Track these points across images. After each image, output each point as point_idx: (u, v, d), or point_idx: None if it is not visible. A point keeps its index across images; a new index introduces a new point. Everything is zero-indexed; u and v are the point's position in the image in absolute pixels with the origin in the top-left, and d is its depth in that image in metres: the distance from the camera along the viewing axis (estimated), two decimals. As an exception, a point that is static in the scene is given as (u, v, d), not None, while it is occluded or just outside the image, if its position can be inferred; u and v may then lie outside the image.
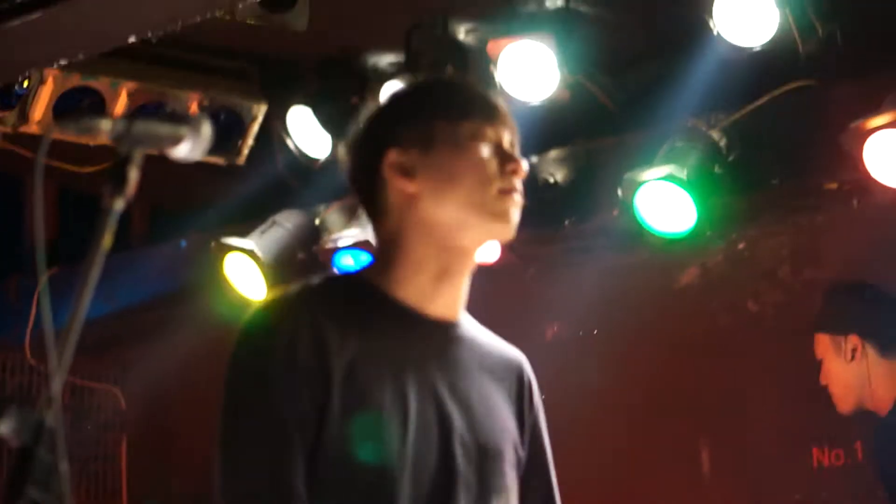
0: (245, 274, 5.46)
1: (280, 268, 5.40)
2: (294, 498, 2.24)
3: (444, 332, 2.43)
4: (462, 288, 2.44)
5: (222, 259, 5.54)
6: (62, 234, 6.69)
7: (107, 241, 1.86)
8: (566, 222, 5.46)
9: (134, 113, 5.18)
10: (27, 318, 7.37)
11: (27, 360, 7.28)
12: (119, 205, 1.88)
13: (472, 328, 2.50)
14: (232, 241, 5.48)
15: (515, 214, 2.41)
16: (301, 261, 5.57)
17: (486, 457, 2.37)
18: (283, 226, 5.49)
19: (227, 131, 5.46)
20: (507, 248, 5.27)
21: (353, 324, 2.35)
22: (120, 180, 1.89)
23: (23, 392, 7.14)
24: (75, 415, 6.80)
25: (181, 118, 2.03)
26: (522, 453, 2.46)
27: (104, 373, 6.91)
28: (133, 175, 1.90)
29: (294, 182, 5.92)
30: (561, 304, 5.51)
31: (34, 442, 1.70)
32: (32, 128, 5.24)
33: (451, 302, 2.44)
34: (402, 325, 2.39)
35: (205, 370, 6.90)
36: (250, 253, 5.36)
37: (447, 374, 2.38)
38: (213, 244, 5.61)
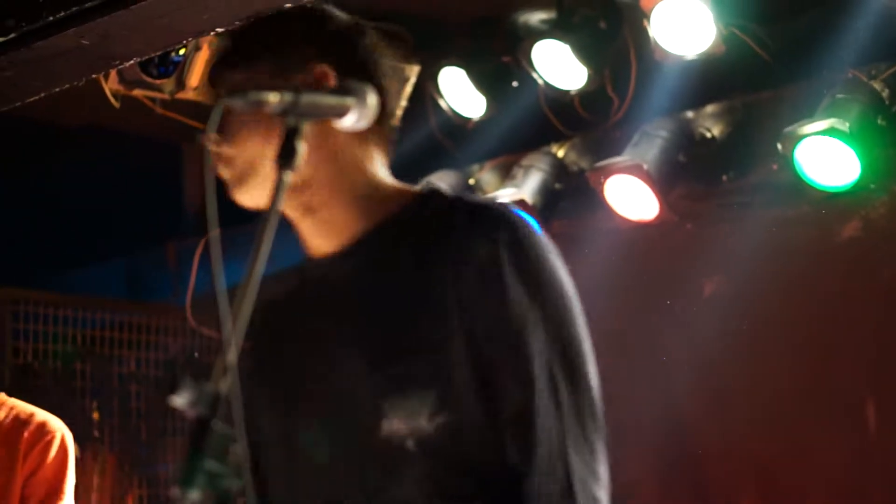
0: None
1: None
2: None
3: None
4: None
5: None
6: (218, 198, 6.77)
7: (277, 209, 1.88)
8: (724, 177, 5.40)
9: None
10: (187, 282, 7.49)
11: (189, 323, 7.41)
12: (288, 175, 1.90)
13: None
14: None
15: None
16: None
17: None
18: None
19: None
20: (665, 204, 5.22)
21: None
22: (289, 151, 1.91)
23: (186, 355, 7.26)
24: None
25: (347, 89, 2.04)
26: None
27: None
28: (301, 147, 1.92)
29: (448, 143, 5.92)
30: (719, 260, 5.45)
31: (210, 414, 1.72)
32: (189, 94, 5.30)
33: None
34: None
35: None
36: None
37: None
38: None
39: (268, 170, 2.27)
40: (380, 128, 2.38)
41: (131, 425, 7.47)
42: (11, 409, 3.87)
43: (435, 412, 2.19)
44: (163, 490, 7.65)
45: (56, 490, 3.79)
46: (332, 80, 2.33)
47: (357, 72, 2.34)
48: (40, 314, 6.96)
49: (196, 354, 6.99)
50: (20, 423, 3.83)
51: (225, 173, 2.34)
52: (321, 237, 2.37)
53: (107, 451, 6.95)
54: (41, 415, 3.87)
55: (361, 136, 2.36)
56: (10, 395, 3.92)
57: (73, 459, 3.86)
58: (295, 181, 2.26)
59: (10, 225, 6.89)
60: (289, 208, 2.35)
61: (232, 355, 1.77)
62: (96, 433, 6.88)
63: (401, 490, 2.22)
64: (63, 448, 3.82)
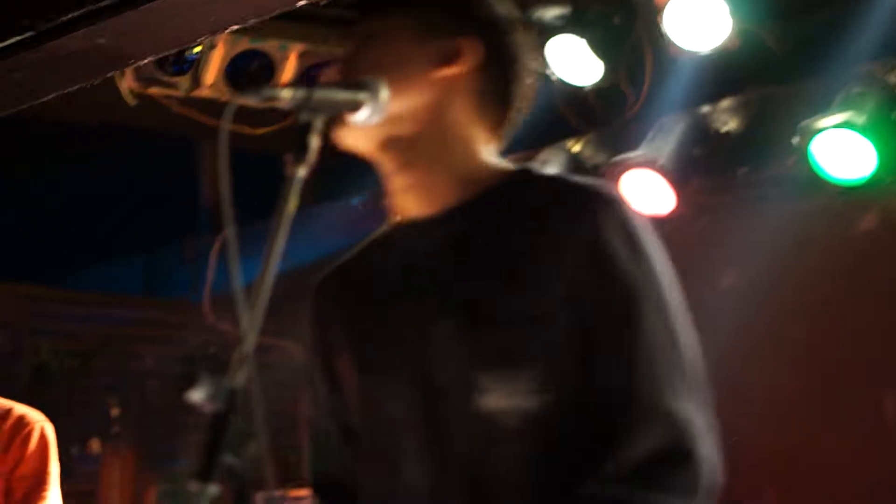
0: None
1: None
2: None
3: None
4: None
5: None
6: (234, 195, 6.79)
7: (291, 206, 1.89)
8: (740, 171, 5.40)
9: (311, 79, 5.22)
10: (204, 279, 7.51)
11: (206, 319, 7.44)
12: (302, 171, 1.92)
13: None
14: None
15: None
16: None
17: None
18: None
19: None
20: (681, 198, 5.23)
21: None
22: (302, 147, 1.92)
23: (204, 351, 7.29)
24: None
25: (360, 84, 2.06)
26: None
27: (279, 330, 7.03)
28: (315, 142, 1.93)
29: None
30: (735, 254, 5.46)
31: (228, 408, 1.73)
32: (205, 92, 5.32)
33: None
34: None
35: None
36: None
37: None
38: (385, 200, 5.62)
39: (389, 115, 2.23)
40: (500, 113, 2.39)
41: (150, 421, 7.50)
42: None
43: (538, 389, 2.18)
44: (182, 485, 7.67)
45: (40, 482, 3.79)
46: (478, 58, 2.34)
47: (502, 57, 2.37)
48: (58, 312, 6.99)
49: (214, 350, 7.01)
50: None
51: None
52: (414, 200, 2.35)
53: (126, 447, 6.98)
54: (19, 408, 3.87)
55: (478, 117, 2.37)
56: (29, 392, 3.94)
57: (54, 449, 3.85)
58: (402, 137, 2.30)
59: (28, 223, 6.93)
60: (388, 163, 2.35)
61: (248, 349, 1.78)
62: (116, 429, 6.91)
63: (496, 467, 2.20)
64: (43, 438, 3.82)
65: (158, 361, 7.67)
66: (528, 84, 2.41)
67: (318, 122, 1.95)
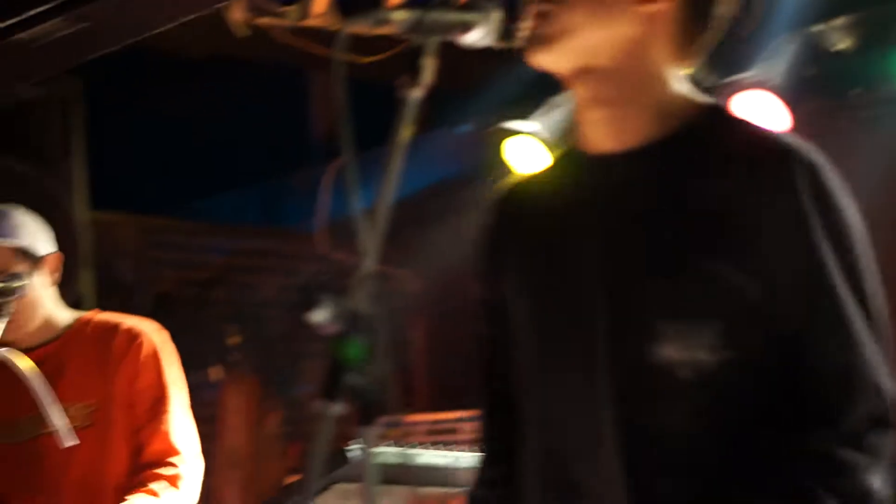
0: (528, 157, 5.49)
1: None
2: None
3: None
4: None
5: (502, 143, 5.57)
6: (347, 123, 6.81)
7: (406, 130, 1.91)
8: (852, 92, 5.33)
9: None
10: (316, 209, 7.58)
11: (318, 249, 7.51)
12: (416, 93, 1.93)
13: None
14: (512, 124, 5.51)
15: None
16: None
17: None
18: (565, 107, 5.48)
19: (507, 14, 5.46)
20: (793, 118, 5.18)
21: None
22: (415, 69, 1.93)
23: (320, 279, 7.36)
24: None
25: (472, 6, 2.06)
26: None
27: (393, 257, 7.08)
28: (428, 64, 1.94)
29: None
30: (847, 175, 5.38)
31: (350, 329, 1.76)
32: (314, 20, 5.34)
33: None
34: None
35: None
36: (533, 135, 5.38)
37: None
38: (493, 129, 5.64)
39: (584, 40, 2.23)
40: (698, 44, 2.34)
41: (269, 349, 7.61)
42: (99, 323, 3.86)
43: (718, 345, 2.15)
44: (302, 411, 7.79)
45: (160, 392, 3.76)
46: None
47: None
48: (179, 242, 7.09)
49: (329, 279, 7.09)
50: (107, 333, 3.81)
51: (535, 28, 2.27)
52: (604, 133, 2.30)
53: (246, 375, 7.09)
54: (128, 321, 3.84)
55: (676, 50, 2.32)
56: (152, 322, 3.92)
57: (169, 356, 3.81)
58: (597, 68, 2.26)
59: (147, 155, 7.03)
60: (581, 93, 2.31)
61: (369, 271, 1.81)
62: (235, 357, 7.02)
63: (665, 420, 2.18)
64: (155, 347, 3.78)
65: (275, 291, 7.76)
66: (726, 10, 2.36)
67: (431, 44, 1.95)
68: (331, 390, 1.72)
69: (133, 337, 3.78)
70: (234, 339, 7.11)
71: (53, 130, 6.35)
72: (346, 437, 3.50)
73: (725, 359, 2.15)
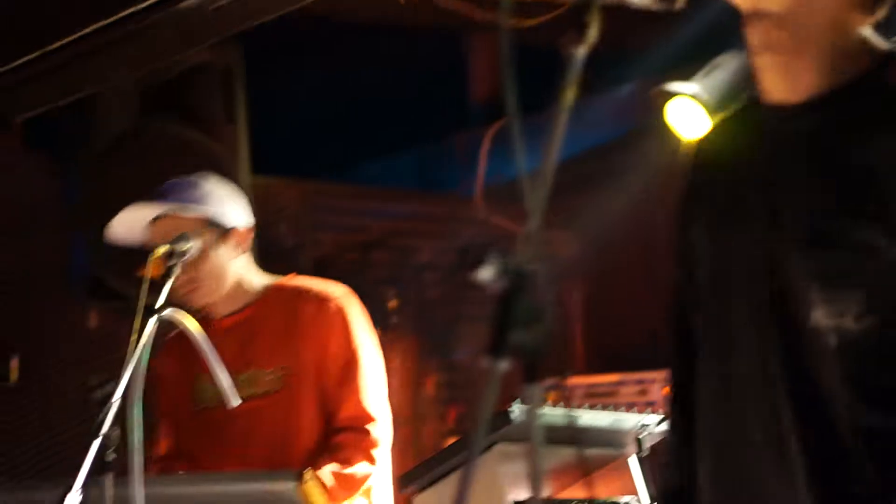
0: (689, 118, 5.43)
1: (726, 110, 5.34)
2: None
3: None
4: None
5: (664, 105, 5.52)
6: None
7: (570, 91, 1.90)
8: None
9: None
10: (475, 173, 7.60)
11: (478, 211, 7.53)
12: (580, 52, 1.92)
13: None
14: (674, 86, 5.45)
15: None
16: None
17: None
18: (727, 67, 5.41)
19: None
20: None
21: None
22: (580, 27, 1.92)
23: (478, 243, 7.39)
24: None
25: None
26: None
27: (553, 220, 7.07)
28: (593, 22, 1.93)
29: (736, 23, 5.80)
30: None
31: (516, 286, 1.75)
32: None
33: None
34: None
35: (652, 216, 6.97)
36: (694, 97, 5.32)
37: None
38: (654, 90, 5.59)
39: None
40: None
41: (428, 312, 7.65)
42: (290, 288, 3.87)
43: (864, 312, 2.14)
44: (461, 375, 7.84)
45: (350, 360, 3.76)
46: None
47: None
48: (339, 206, 7.16)
49: (487, 242, 7.11)
50: (298, 298, 3.81)
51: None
52: (777, 82, 2.29)
53: (405, 338, 7.15)
54: (317, 286, 3.84)
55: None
56: (343, 286, 3.88)
57: (359, 320, 3.80)
58: (771, 13, 2.24)
59: (307, 120, 7.10)
60: (753, 37, 2.28)
61: (534, 230, 1.81)
62: (394, 320, 7.08)
63: (815, 386, 2.19)
64: (342, 314, 3.77)
65: (434, 254, 7.81)
66: None
67: (597, 2, 1.94)
68: (496, 347, 1.72)
69: (322, 301, 3.78)
70: (392, 303, 7.17)
71: (217, 97, 6.45)
72: (508, 399, 3.50)
73: (869, 326, 2.14)
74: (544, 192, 1.83)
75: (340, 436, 3.72)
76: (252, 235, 3.89)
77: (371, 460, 3.70)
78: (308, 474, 3.22)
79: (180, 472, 3.83)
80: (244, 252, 3.86)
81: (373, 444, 3.71)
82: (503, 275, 1.76)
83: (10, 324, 6.50)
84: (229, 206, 3.85)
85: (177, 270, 3.47)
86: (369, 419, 3.73)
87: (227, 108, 6.44)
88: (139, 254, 3.54)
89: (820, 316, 2.16)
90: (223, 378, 3.40)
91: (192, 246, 3.56)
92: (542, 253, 1.77)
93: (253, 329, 3.83)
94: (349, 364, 3.76)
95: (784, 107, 2.28)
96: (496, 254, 1.76)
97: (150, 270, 3.39)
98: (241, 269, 3.86)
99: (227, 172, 5.70)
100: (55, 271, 6.69)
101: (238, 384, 3.64)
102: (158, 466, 3.91)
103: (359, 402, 3.74)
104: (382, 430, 3.75)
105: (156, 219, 3.78)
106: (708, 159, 2.45)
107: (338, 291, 3.83)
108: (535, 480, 1.75)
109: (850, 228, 2.15)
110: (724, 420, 2.32)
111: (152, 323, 3.21)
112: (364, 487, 3.70)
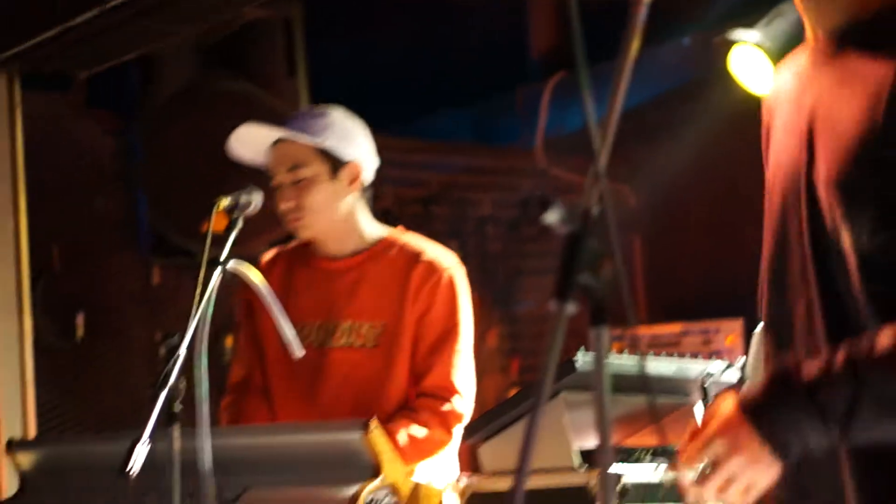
0: (752, 67, 5.39)
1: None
2: None
3: None
4: None
5: (727, 54, 5.48)
6: (566, 40, 6.79)
7: (635, 41, 1.89)
8: None
9: None
10: (534, 126, 7.59)
11: (537, 164, 7.52)
12: (647, 1, 1.91)
13: None
14: (737, 34, 5.40)
15: None
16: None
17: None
18: (788, 15, 5.36)
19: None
20: None
21: None
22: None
23: (538, 195, 7.38)
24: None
25: None
26: None
27: (613, 171, 7.05)
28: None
29: None
30: None
31: (583, 229, 1.76)
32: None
33: None
34: None
35: (713, 167, 6.95)
36: (757, 45, 5.27)
37: None
38: (716, 40, 5.55)
39: None
40: None
41: (490, 265, 7.66)
42: (403, 246, 3.84)
43: (879, 228, 2.14)
44: (522, 327, 7.84)
45: (449, 329, 3.75)
46: None
47: None
48: (400, 160, 7.16)
49: (547, 194, 7.10)
50: (410, 260, 3.78)
51: None
52: (814, 18, 2.30)
53: (467, 291, 7.15)
54: (431, 252, 3.82)
55: None
56: (454, 254, 3.87)
57: (464, 295, 3.80)
58: None
59: (366, 74, 7.10)
60: None
61: (601, 173, 1.81)
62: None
63: (831, 297, 2.20)
64: (452, 285, 3.76)
65: (494, 207, 7.81)
66: None
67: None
68: (564, 290, 1.72)
69: (434, 269, 3.76)
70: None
71: (277, 51, 6.46)
72: (572, 349, 3.50)
73: (882, 241, 2.13)
74: (609, 140, 1.83)
75: (422, 400, 3.73)
76: (364, 175, 3.86)
77: (448, 432, 3.72)
78: (373, 423, 3.22)
79: (244, 421, 3.86)
80: (356, 190, 3.84)
81: (452, 417, 3.72)
82: (570, 218, 1.76)
83: (74, 281, 6.57)
84: (349, 140, 3.84)
85: (240, 224, 3.47)
86: (454, 391, 3.73)
87: (287, 63, 6.45)
88: (202, 209, 3.55)
89: (845, 237, 2.16)
90: (287, 329, 3.41)
91: (254, 200, 3.56)
92: (608, 197, 1.77)
93: (360, 279, 3.82)
94: (447, 334, 3.75)
95: (817, 40, 2.28)
96: (561, 200, 1.77)
97: (213, 224, 3.40)
98: (352, 209, 3.84)
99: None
100: (118, 228, 6.75)
101: (339, 331, 3.73)
102: (231, 398, 3.94)
103: (448, 374, 3.74)
104: (465, 406, 3.75)
105: (276, 143, 3.80)
106: (769, 101, 2.46)
107: (449, 261, 3.82)
108: (602, 429, 1.75)
109: (868, 145, 2.15)
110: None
111: (216, 275, 3.24)
112: (434, 456, 3.71)
